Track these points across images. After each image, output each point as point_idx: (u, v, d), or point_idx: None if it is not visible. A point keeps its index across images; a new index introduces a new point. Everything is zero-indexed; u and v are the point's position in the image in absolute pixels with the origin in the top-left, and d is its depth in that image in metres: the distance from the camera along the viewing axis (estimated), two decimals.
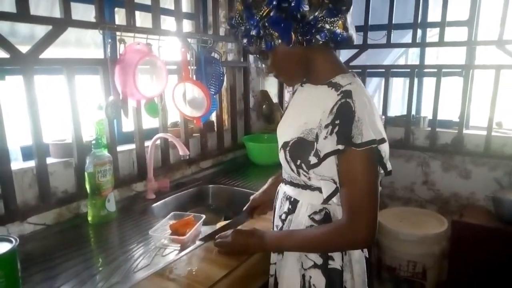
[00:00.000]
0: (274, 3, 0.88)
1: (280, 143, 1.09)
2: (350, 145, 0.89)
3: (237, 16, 0.97)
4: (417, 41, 2.53)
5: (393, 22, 2.51)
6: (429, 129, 2.51)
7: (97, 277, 1.04)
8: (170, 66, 1.77)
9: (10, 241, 0.84)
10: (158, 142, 1.79)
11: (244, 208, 1.38)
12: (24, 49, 1.28)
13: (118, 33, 1.50)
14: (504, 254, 2.02)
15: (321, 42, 0.91)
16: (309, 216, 1.03)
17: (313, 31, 0.90)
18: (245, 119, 2.50)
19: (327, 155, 0.93)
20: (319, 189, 1.01)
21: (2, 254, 0.80)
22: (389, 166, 1.00)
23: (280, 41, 0.92)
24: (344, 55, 2.81)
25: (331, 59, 1.02)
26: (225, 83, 2.19)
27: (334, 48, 1.02)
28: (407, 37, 2.62)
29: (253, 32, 0.93)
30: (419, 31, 2.56)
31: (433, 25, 2.58)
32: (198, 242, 1.24)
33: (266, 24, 0.91)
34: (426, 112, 2.62)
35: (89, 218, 1.42)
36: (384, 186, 2.70)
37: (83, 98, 1.52)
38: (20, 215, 1.30)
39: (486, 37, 2.33)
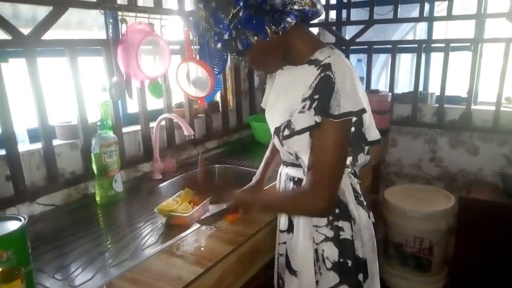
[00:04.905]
0: (241, 3, 0.86)
1: (272, 129, 1.09)
2: (327, 116, 0.91)
3: (203, 23, 0.94)
4: (424, 16, 2.47)
5: None
6: (437, 105, 2.47)
7: (106, 254, 1.07)
8: (173, 46, 1.75)
9: (19, 220, 0.86)
10: (163, 123, 1.80)
11: None
12: (26, 32, 1.28)
13: (119, 13, 1.49)
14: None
15: (293, 23, 0.91)
16: None
17: (284, 16, 0.90)
18: (250, 99, 2.49)
19: (303, 130, 0.95)
20: None
21: (12, 231, 0.82)
22: (373, 136, 1.04)
23: (256, 38, 0.91)
24: (350, 31, 2.76)
25: (307, 37, 1.01)
26: (229, 62, 2.16)
27: (307, 25, 1.02)
28: (415, 12, 2.56)
29: (226, 36, 0.91)
30: (427, 5, 2.49)
31: None
32: None
33: (238, 26, 0.89)
34: (434, 88, 2.57)
35: (97, 199, 1.44)
36: (391, 164, 2.69)
37: (87, 80, 1.52)
38: (29, 196, 1.32)
39: (496, 9, 2.26)
